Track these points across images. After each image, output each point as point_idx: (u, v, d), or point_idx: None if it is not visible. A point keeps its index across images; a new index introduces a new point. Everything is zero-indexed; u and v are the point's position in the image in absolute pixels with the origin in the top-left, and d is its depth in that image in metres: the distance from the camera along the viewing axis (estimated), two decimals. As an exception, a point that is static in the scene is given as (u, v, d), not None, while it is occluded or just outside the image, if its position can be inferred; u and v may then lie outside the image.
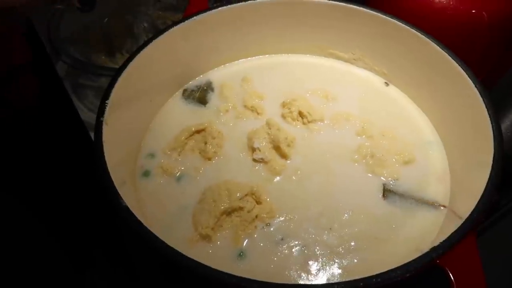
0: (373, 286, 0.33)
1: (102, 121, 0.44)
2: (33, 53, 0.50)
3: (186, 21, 0.56)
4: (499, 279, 0.52)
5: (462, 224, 0.36)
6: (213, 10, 0.57)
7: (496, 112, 0.46)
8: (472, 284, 0.32)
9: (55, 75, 0.58)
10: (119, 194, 0.39)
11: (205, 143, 0.52)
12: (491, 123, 0.44)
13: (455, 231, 0.35)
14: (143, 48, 0.52)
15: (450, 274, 0.32)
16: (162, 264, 0.45)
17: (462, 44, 0.67)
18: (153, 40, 0.53)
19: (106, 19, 0.78)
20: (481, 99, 0.46)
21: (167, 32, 0.54)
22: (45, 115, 0.54)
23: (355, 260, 0.44)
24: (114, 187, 0.39)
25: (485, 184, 0.39)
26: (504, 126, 0.61)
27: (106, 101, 0.46)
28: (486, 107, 0.46)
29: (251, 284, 0.33)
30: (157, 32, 0.54)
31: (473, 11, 0.66)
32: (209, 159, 0.52)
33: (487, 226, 0.58)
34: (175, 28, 0.55)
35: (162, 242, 0.36)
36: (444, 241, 0.35)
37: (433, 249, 0.34)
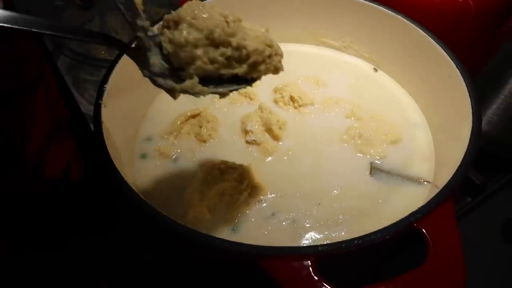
0: (355, 247, 0.35)
1: (100, 104, 0.47)
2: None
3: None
4: (481, 250, 0.54)
5: (439, 191, 0.38)
6: (206, 1, 0.59)
7: (478, 95, 0.48)
8: (447, 245, 0.34)
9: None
10: (117, 169, 0.41)
11: (200, 127, 0.55)
12: (470, 100, 0.46)
13: (432, 198, 0.37)
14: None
15: (427, 235, 0.34)
16: (159, 235, 0.48)
17: (449, 32, 0.69)
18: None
19: (104, 17, 0.81)
20: (462, 78, 0.49)
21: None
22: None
23: (343, 233, 0.46)
24: (113, 163, 0.42)
25: (462, 156, 0.41)
26: (490, 111, 0.63)
27: (105, 85, 0.48)
28: (467, 85, 0.48)
29: (241, 247, 0.35)
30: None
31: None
32: (204, 141, 0.54)
33: (474, 206, 0.60)
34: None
35: (158, 212, 0.38)
36: (421, 206, 0.37)
37: (412, 214, 0.37)
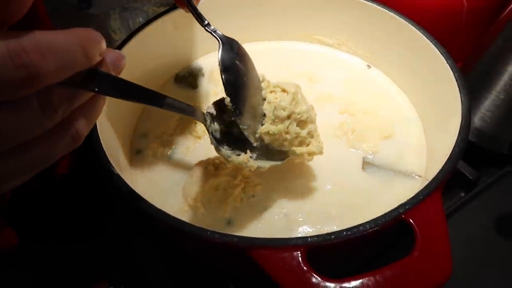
0: (344, 239, 0.35)
1: (96, 100, 0.47)
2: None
3: (176, 9, 0.59)
4: (474, 243, 0.55)
5: (427, 183, 0.38)
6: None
7: (470, 90, 0.48)
8: (434, 235, 0.35)
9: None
10: (112, 165, 0.42)
11: (195, 124, 0.56)
12: (460, 94, 0.47)
13: (420, 190, 0.38)
14: (135, 35, 0.55)
15: (415, 226, 0.35)
16: (154, 230, 0.48)
17: (442, 29, 0.70)
18: (144, 28, 0.56)
19: (103, 15, 0.82)
20: (452, 74, 0.49)
21: (157, 20, 0.57)
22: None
23: (335, 227, 0.46)
24: (108, 159, 0.42)
25: (451, 148, 0.41)
26: (483, 106, 0.64)
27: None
28: (457, 80, 0.48)
29: (232, 238, 0.36)
30: (148, 20, 0.57)
31: (453, -3, 0.69)
32: (199, 138, 0.55)
33: (467, 201, 0.61)
34: (166, 16, 0.58)
35: (153, 207, 0.39)
36: (410, 198, 0.38)
37: (400, 205, 0.37)
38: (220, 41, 0.46)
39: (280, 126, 0.44)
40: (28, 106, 0.23)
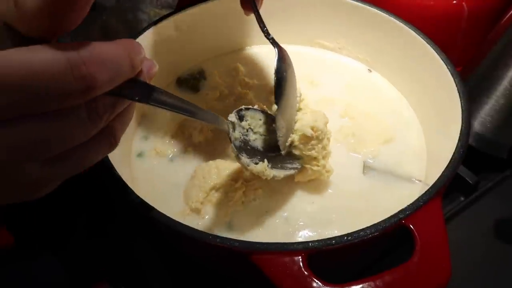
0: (344, 244, 0.36)
1: (98, 104, 0.47)
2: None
3: (178, 13, 0.59)
4: (473, 247, 0.55)
5: (427, 189, 0.39)
6: (203, 3, 0.61)
7: (470, 95, 0.49)
8: (434, 240, 0.35)
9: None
10: (114, 167, 0.42)
11: (196, 127, 0.56)
12: (461, 100, 0.47)
13: (421, 196, 0.38)
14: (137, 37, 0.55)
15: (414, 231, 0.35)
16: (155, 233, 0.49)
17: (443, 34, 0.70)
18: (146, 30, 0.56)
19: (105, 17, 0.82)
20: (452, 79, 0.49)
21: (160, 22, 0.58)
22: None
23: (335, 231, 0.47)
24: (110, 162, 0.43)
25: (451, 154, 0.42)
26: (483, 111, 0.64)
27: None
28: (457, 86, 0.48)
29: (233, 243, 0.36)
30: (150, 23, 0.57)
31: (454, 1, 0.69)
32: (200, 141, 0.55)
33: (467, 205, 0.61)
34: (168, 19, 0.58)
35: (154, 210, 0.39)
36: (410, 204, 0.38)
37: (400, 211, 0.37)
38: (277, 50, 0.48)
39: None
40: (77, 114, 0.24)
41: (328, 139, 0.49)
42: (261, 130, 0.48)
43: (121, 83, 0.25)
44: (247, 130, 0.47)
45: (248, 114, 0.47)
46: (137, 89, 0.27)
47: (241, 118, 0.46)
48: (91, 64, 0.23)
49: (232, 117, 0.45)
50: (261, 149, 0.47)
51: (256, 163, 0.44)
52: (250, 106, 0.48)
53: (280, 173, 0.46)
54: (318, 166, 0.48)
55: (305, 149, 0.47)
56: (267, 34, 0.51)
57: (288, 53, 0.68)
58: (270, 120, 0.48)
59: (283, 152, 0.47)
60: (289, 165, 0.48)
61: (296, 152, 0.47)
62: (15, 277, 0.49)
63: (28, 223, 0.53)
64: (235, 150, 0.44)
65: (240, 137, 0.46)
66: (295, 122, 0.47)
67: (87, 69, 0.22)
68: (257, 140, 0.47)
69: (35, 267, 0.50)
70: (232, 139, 0.44)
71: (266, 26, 0.54)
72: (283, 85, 0.45)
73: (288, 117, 0.46)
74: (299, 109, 0.49)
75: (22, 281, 0.49)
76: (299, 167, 0.48)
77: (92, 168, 0.55)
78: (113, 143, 0.28)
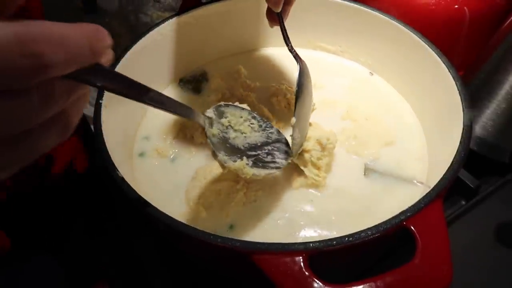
0: (345, 245, 0.36)
1: (101, 104, 0.48)
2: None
3: (180, 15, 0.60)
4: (474, 251, 0.55)
5: (428, 191, 0.39)
6: (206, 6, 0.61)
7: (472, 99, 0.49)
8: (435, 242, 0.35)
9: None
10: (116, 167, 0.42)
11: (198, 128, 0.56)
12: (462, 103, 0.47)
13: (422, 197, 0.38)
14: (139, 39, 0.55)
15: (416, 233, 0.35)
16: (156, 232, 0.48)
17: (445, 38, 0.70)
18: (149, 32, 0.56)
19: (107, 19, 0.83)
20: (454, 82, 0.50)
21: (162, 25, 0.58)
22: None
23: (335, 232, 0.47)
24: (112, 161, 0.43)
25: (453, 156, 0.42)
26: (484, 115, 0.64)
27: (105, 86, 0.49)
28: (458, 89, 0.49)
29: (234, 243, 0.36)
30: (152, 25, 0.58)
31: (456, 6, 0.70)
32: (201, 142, 0.55)
33: (468, 209, 0.61)
34: (170, 21, 0.59)
35: (156, 209, 0.39)
36: (411, 205, 0.38)
37: (402, 212, 0.37)
38: (300, 66, 0.51)
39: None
40: (29, 96, 0.23)
41: (332, 155, 0.51)
42: (242, 128, 0.47)
43: (82, 67, 0.24)
44: (226, 127, 0.46)
45: (228, 111, 0.46)
46: (100, 75, 0.26)
47: (220, 114, 0.45)
48: (42, 42, 0.21)
49: (210, 112, 0.44)
50: (242, 147, 0.46)
51: (235, 161, 0.43)
52: (230, 103, 0.47)
53: (260, 172, 0.45)
54: (319, 177, 0.49)
55: (315, 156, 0.49)
56: (291, 49, 0.53)
57: (290, 56, 0.69)
58: (251, 118, 0.47)
59: (294, 158, 0.48)
60: (271, 164, 0.46)
61: (306, 155, 0.49)
62: (14, 278, 0.49)
63: (26, 223, 0.53)
64: (212, 146, 0.43)
65: (219, 134, 0.45)
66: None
67: (37, 47, 0.21)
68: (237, 138, 0.46)
69: (33, 268, 0.50)
70: (209, 134, 0.43)
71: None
72: (301, 99, 0.47)
73: (303, 126, 0.48)
74: (310, 125, 0.52)
75: (22, 281, 0.49)
76: (281, 167, 0.47)
77: (92, 168, 0.55)
78: (67, 128, 0.27)
